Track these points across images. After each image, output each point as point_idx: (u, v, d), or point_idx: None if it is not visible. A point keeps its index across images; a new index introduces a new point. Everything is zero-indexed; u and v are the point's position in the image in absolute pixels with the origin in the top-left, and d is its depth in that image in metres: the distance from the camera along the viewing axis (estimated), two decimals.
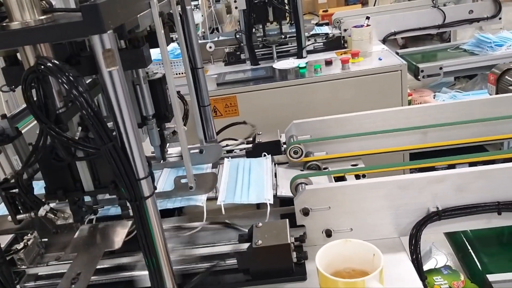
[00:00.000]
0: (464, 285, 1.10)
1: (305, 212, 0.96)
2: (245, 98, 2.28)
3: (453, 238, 1.27)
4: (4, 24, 0.71)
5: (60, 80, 0.68)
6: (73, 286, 0.81)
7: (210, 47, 2.58)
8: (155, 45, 0.96)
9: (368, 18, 2.53)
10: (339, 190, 0.97)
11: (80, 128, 0.85)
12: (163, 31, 0.94)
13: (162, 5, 0.99)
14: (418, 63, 2.67)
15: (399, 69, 2.21)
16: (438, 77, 2.69)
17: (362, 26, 2.50)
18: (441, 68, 2.63)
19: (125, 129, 0.71)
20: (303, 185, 1.04)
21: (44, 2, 0.74)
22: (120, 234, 0.95)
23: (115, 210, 1.07)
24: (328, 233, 0.97)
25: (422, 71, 2.62)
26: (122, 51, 0.84)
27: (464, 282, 1.13)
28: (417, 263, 0.93)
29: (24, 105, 0.79)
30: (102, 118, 0.70)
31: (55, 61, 0.69)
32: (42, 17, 0.71)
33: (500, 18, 2.81)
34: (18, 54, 0.82)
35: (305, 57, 2.54)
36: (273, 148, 1.30)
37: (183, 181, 1.06)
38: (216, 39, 2.87)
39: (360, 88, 2.22)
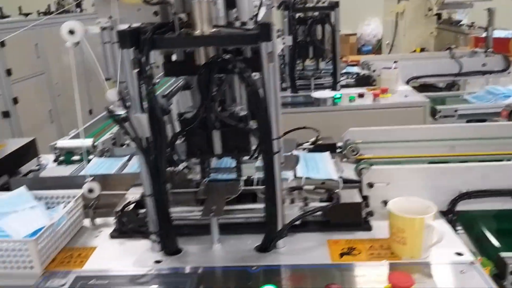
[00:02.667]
0: (481, 262, 1.41)
1: (370, 185, 1.31)
2: (286, 118, 2.65)
3: (466, 218, 1.56)
4: (188, 32, 1.10)
5: (236, 68, 1.05)
6: (212, 214, 1.16)
7: None
8: None
9: (396, 62, 2.95)
10: (396, 171, 1.33)
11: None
12: None
13: None
14: (436, 105, 3.06)
15: (423, 105, 2.60)
16: (453, 118, 3.06)
17: (390, 68, 2.91)
18: (456, 111, 3.00)
19: (271, 107, 1.07)
20: (364, 169, 1.39)
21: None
22: (235, 188, 1.29)
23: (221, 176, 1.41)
24: (385, 202, 1.31)
25: (439, 111, 3.00)
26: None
27: (481, 259, 1.45)
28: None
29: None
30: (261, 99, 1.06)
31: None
32: (213, 30, 1.09)
33: (509, 72, 3.22)
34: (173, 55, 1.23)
35: (338, 90, 2.93)
36: (330, 148, 1.65)
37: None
38: None
39: (388, 118, 2.59)
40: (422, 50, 4.54)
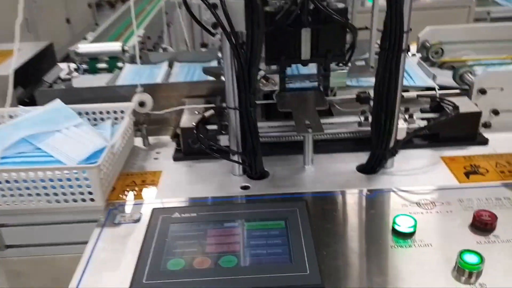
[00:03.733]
0: None
1: (483, 91, 1.09)
2: None
3: None
4: None
5: None
6: (310, 129, 0.94)
7: None
8: None
9: None
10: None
11: None
12: None
13: None
14: None
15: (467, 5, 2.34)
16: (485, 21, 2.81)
17: None
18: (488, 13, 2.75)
19: None
20: (468, 73, 1.17)
21: None
22: (322, 98, 1.07)
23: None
24: (495, 112, 1.11)
25: None
26: None
27: None
28: None
29: None
30: None
31: None
32: None
33: None
34: None
35: None
36: None
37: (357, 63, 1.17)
38: None
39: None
40: None
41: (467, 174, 0.95)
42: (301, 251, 0.75)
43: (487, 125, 1.08)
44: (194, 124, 1.01)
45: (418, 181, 0.94)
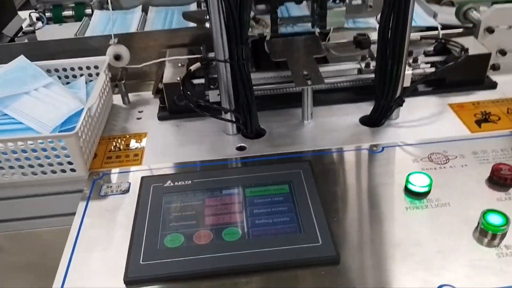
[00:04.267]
0: None
1: (491, 30, 1.01)
2: None
3: None
4: None
5: None
6: (309, 81, 0.85)
7: None
8: None
9: None
10: None
11: None
12: None
13: None
14: None
15: None
16: None
17: None
18: None
19: None
20: (472, 10, 1.08)
21: None
22: (318, 45, 0.97)
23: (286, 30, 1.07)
24: (503, 53, 1.03)
25: None
26: None
27: None
28: None
29: None
30: None
31: None
32: None
33: None
34: None
35: None
36: None
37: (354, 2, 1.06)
38: None
39: None
40: None
41: (479, 123, 0.88)
42: (310, 219, 0.69)
43: (495, 67, 1.01)
44: (179, 79, 0.91)
45: (427, 132, 0.87)
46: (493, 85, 0.98)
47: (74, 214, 0.76)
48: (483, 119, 0.89)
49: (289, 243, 0.66)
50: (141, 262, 0.65)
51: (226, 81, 0.83)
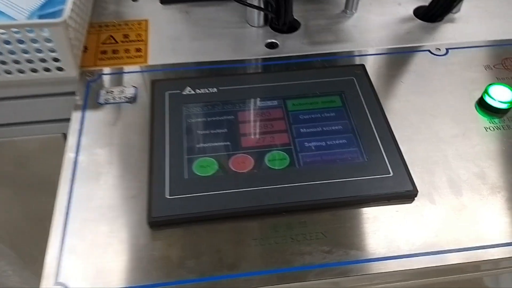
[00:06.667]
0: None
1: None
2: None
3: None
4: None
5: None
6: None
7: None
8: None
9: None
10: None
11: None
12: None
13: None
14: None
15: None
16: None
17: None
18: None
19: None
20: None
21: None
22: None
23: None
24: None
25: None
26: None
27: None
28: None
29: None
30: None
31: None
32: None
33: None
34: None
35: None
36: None
37: None
38: None
39: None
40: None
41: None
42: (375, 142, 0.55)
43: None
44: None
45: (497, 31, 0.72)
46: None
47: (57, 121, 0.63)
48: None
49: (352, 173, 0.53)
50: (168, 196, 0.51)
51: None
